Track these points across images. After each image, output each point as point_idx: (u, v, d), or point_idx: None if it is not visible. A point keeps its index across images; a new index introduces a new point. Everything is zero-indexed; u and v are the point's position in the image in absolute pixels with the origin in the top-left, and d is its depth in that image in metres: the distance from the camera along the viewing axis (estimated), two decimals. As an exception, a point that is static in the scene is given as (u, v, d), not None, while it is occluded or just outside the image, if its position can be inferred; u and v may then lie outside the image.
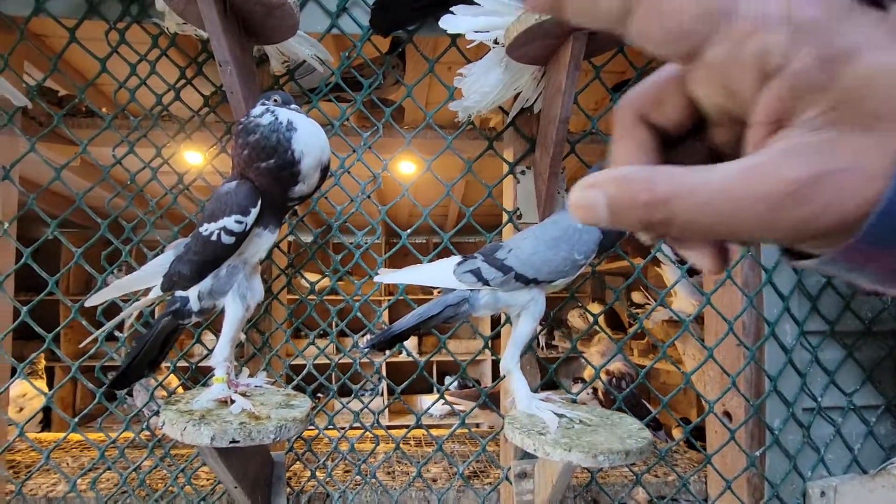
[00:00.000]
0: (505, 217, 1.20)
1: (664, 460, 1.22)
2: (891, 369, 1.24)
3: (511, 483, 1.14)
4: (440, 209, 3.74)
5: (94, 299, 0.89)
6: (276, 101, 0.77)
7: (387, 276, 0.96)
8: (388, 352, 1.22)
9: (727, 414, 1.25)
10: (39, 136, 1.09)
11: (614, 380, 2.05)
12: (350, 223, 1.17)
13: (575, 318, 3.66)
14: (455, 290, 0.90)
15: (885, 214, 0.16)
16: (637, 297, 3.13)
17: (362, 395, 1.22)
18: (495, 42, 0.94)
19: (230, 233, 0.76)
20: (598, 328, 2.99)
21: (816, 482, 1.17)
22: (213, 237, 0.76)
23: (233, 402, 0.80)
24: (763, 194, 0.17)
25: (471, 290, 0.90)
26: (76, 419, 1.05)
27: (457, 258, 0.94)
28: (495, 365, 4.59)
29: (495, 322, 4.43)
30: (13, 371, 1.11)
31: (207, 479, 1.25)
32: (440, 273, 0.91)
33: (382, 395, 4.11)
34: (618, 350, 1.17)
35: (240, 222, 0.75)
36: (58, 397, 4.09)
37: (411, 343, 4.40)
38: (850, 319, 1.22)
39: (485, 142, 1.23)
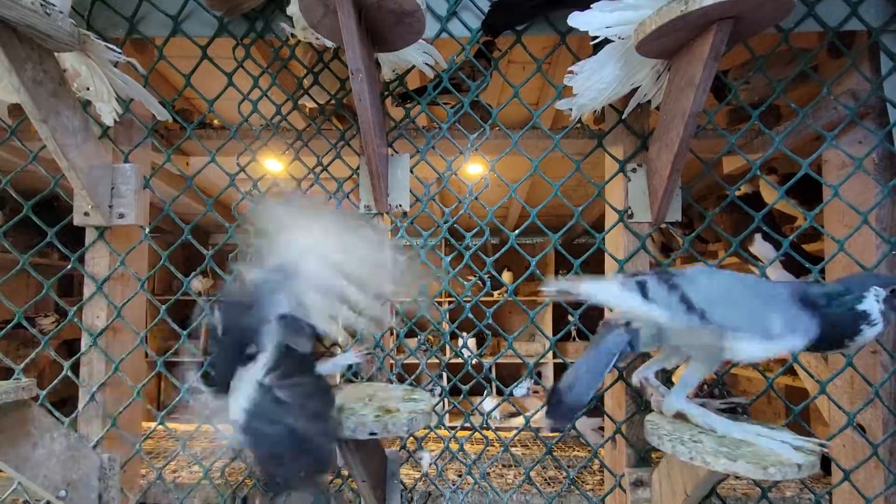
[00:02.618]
0: (614, 216, 1.17)
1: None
2: None
3: (625, 491, 1.11)
4: (500, 210, 3.72)
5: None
6: None
7: (552, 286, 0.86)
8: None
9: (861, 427, 1.15)
10: (175, 146, 1.17)
11: (706, 386, 1.95)
12: (418, 225, 1.19)
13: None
14: (614, 332, 0.83)
15: None
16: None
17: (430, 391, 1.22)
18: (619, 38, 0.92)
19: None
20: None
21: (975, 507, 1.05)
22: None
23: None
24: None
25: (629, 332, 0.82)
26: (207, 412, 1.12)
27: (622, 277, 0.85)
28: (557, 368, 4.51)
29: (558, 324, 4.35)
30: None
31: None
32: (605, 287, 0.83)
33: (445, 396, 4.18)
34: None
35: None
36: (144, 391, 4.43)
37: (471, 344, 4.40)
38: None
39: (580, 141, 1.21)
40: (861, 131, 1.16)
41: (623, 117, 1.14)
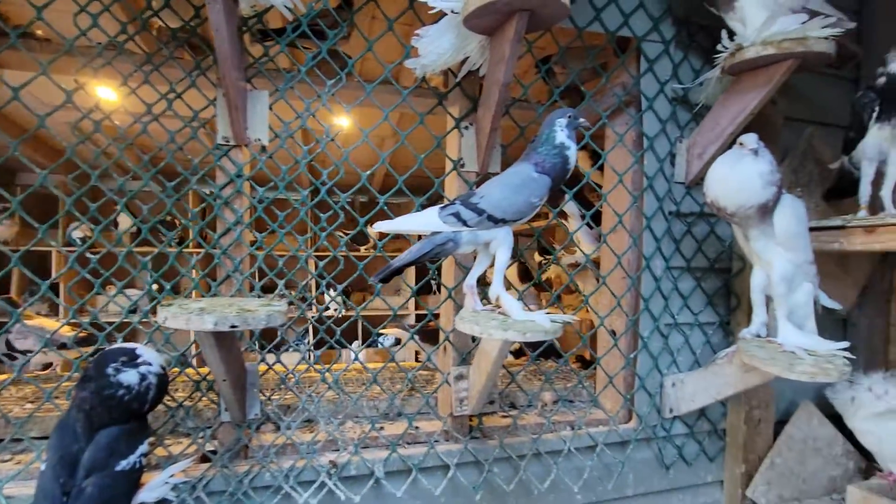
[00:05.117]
0: (449, 165, 1.41)
1: (574, 371, 1.55)
2: (725, 296, 1.68)
3: (450, 385, 1.40)
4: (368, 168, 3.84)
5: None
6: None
7: (383, 225, 1.07)
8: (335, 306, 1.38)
9: (613, 332, 1.62)
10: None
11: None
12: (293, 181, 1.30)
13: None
14: (441, 232, 1.07)
15: None
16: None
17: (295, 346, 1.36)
18: (452, 12, 1.12)
19: None
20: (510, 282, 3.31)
21: (670, 376, 1.58)
22: None
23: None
24: None
25: (454, 231, 1.07)
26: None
27: (438, 206, 1.11)
28: (418, 318, 4.90)
29: (420, 279, 4.69)
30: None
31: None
32: (427, 219, 1.08)
33: (311, 349, 4.30)
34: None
35: None
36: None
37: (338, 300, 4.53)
38: (701, 258, 1.63)
39: (429, 99, 1.41)
40: (627, 115, 1.56)
41: (458, 81, 1.37)
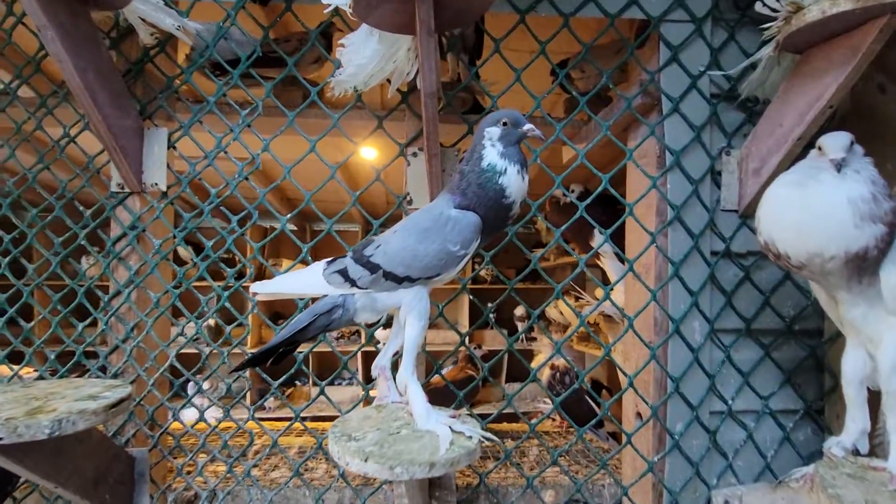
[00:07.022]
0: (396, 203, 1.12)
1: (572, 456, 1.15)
2: (814, 371, 1.15)
3: (389, 491, 1.08)
4: (371, 198, 3.51)
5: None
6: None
7: (260, 286, 0.83)
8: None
9: (639, 415, 1.17)
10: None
11: (558, 374, 1.99)
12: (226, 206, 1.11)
13: (552, 311, 3.59)
14: (328, 298, 0.80)
15: None
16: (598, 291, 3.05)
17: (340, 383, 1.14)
18: (349, 8, 0.86)
19: None
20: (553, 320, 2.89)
21: (722, 490, 1.09)
22: None
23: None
24: None
25: (343, 294, 0.79)
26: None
27: (326, 261, 0.83)
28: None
29: (475, 313, 4.33)
30: None
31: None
32: (309, 279, 0.81)
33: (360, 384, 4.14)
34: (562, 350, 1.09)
35: None
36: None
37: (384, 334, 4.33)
38: (770, 317, 1.13)
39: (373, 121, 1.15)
40: (651, 122, 1.15)
41: (400, 100, 1.09)
